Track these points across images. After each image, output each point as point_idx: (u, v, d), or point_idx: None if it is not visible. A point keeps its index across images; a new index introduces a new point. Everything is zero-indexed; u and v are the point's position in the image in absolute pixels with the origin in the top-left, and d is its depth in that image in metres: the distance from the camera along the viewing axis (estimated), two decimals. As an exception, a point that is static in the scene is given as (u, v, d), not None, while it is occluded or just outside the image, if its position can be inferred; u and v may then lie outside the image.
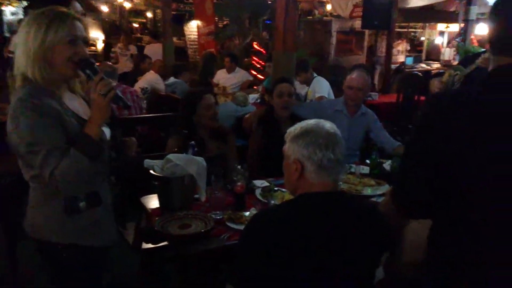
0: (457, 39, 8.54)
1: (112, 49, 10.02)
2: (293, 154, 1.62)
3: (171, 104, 4.91)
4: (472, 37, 7.49)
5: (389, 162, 2.98)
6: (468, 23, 7.04)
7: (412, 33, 12.07)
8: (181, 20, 12.14)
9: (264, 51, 8.86)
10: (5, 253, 3.08)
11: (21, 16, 9.45)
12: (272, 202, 2.38)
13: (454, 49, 8.47)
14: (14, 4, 11.43)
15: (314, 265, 1.50)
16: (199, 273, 2.10)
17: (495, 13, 1.34)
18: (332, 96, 5.08)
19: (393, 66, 8.38)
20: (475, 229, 1.32)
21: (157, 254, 2.53)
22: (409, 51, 10.63)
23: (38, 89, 1.63)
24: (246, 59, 9.02)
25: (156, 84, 5.97)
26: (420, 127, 1.40)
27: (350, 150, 3.23)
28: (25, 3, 9.59)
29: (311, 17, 10.55)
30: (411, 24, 10.45)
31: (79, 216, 1.75)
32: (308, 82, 5.27)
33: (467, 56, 3.55)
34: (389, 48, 7.77)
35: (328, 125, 1.64)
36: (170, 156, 2.35)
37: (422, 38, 11.87)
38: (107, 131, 1.81)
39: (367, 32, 8.87)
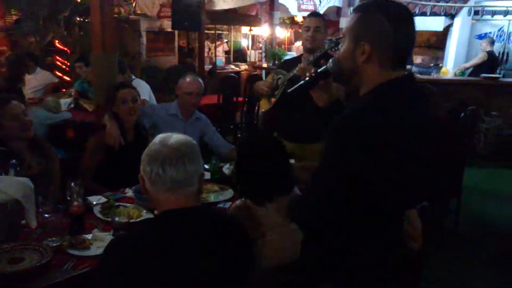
0: (260, 42, 9.15)
1: None
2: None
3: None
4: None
5: (227, 166, 3.00)
6: (273, 27, 7.57)
7: (218, 35, 12.52)
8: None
9: (68, 50, 8.15)
10: None
11: None
12: (117, 219, 2.16)
13: (259, 51, 9.04)
14: None
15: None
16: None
17: (394, 23, 1.35)
18: (154, 99, 4.91)
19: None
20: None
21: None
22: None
23: None
24: (49, 58, 8.17)
25: None
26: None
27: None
28: None
29: (117, 16, 10.10)
30: (217, 26, 10.80)
31: None
32: (126, 85, 4.98)
33: (286, 60, 3.76)
34: (201, 49, 7.89)
35: (173, 140, 1.52)
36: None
37: (226, 40, 12.41)
38: None
39: (176, 32, 8.89)
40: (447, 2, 9.35)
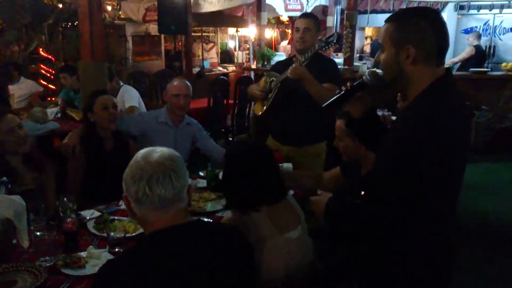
0: (248, 42, 9.08)
1: None
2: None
3: None
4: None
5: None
6: (261, 28, 7.50)
7: (205, 37, 12.44)
8: None
9: (53, 58, 8.01)
10: None
11: None
12: (112, 234, 2.07)
13: (247, 52, 8.98)
14: None
15: None
16: None
17: (430, 23, 1.46)
18: (143, 105, 4.81)
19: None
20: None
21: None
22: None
23: None
24: (33, 66, 8.03)
25: None
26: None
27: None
28: None
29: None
30: (204, 28, 10.72)
31: None
32: (114, 92, 4.86)
33: (278, 62, 3.72)
34: (188, 52, 7.82)
35: (156, 155, 1.43)
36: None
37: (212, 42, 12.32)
38: None
39: (162, 36, 8.81)
40: (432, -3, 9.37)
